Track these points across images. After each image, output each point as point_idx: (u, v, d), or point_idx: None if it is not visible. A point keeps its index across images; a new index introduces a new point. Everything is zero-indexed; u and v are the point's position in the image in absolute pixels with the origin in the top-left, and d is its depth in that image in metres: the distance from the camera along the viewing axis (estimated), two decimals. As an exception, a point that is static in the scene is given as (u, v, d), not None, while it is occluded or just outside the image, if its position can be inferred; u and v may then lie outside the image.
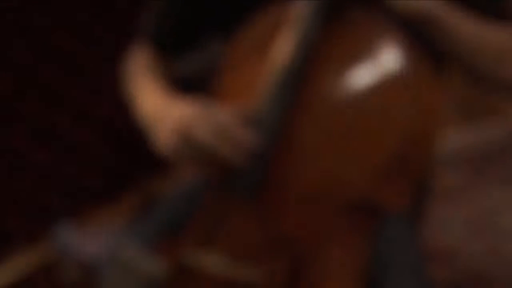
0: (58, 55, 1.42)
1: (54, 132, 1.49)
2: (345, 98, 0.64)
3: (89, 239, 1.64)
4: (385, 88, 0.63)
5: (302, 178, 0.65)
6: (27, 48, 1.35)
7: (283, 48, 0.68)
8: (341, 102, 0.64)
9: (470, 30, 0.68)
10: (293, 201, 0.65)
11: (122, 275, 0.46)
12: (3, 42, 1.30)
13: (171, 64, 0.94)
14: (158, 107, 0.75)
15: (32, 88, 1.40)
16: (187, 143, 0.65)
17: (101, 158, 1.65)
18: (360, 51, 0.65)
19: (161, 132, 0.70)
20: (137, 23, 1.54)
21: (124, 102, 1.59)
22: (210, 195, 0.71)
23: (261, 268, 0.65)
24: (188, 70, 1.51)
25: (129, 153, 1.72)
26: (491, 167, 2.08)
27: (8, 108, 1.36)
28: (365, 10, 0.68)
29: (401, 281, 0.75)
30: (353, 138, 0.63)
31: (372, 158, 0.61)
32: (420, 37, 0.65)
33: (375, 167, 0.61)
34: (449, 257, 1.62)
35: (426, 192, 1.15)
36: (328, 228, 0.63)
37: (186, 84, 0.98)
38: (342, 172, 0.63)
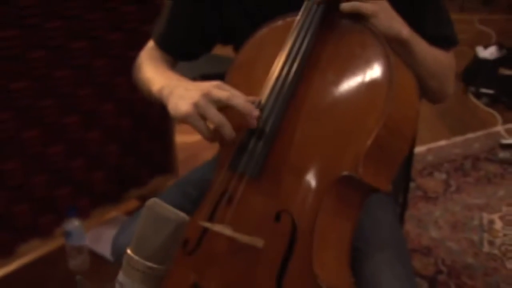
0: (71, 59, 1.49)
1: (65, 134, 1.57)
2: (335, 94, 0.77)
3: (95, 232, 1.74)
4: (369, 85, 0.75)
5: (298, 160, 0.77)
6: (43, 52, 1.42)
7: (282, 54, 0.80)
8: (332, 96, 0.77)
9: (427, 54, 0.86)
10: (291, 178, 0.77)
11: (153, 221, 0.56)
12: (20, 47, 1.38)
13: (176, 65, 1.05)
14: (177, 82, 0.84)
15: (47, 91, 1.48)
16: (208, 99, 0.74)
17: (108, 158, 1.72)
18: (348, 53, 0.78)
19: (179, 96, 0.78)
20: (146, 29, 1.64)
21: (130, 107, 1.68)
22: (220, 173, 0.82)
23: (263, 235, 0.76)
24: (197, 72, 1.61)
25: (134, 154, 1.81)
26: (473, 172, 2.22)
27: (23, 109, 1.44)
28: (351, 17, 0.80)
29: (381, 258, 0.86)
30: (341, 126, 0.75)
31: (357, 144, 0.73)
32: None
33: (359, 151, 0.73)
34: (431, 249, 1.74)
35: (407, 182, 1.28)
36: (321, 199, 0.74)
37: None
38: (332, 155, 0.75)
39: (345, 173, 0.73)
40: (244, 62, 0.89)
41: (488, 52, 3.11)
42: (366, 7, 0.77)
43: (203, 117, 0.76)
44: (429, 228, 1.85)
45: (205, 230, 0.81)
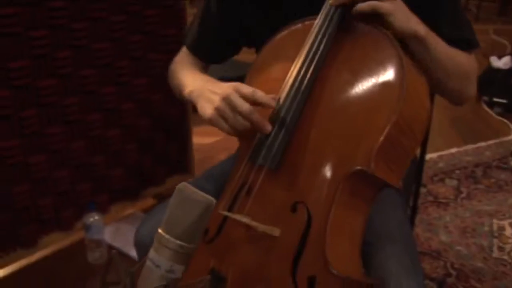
0: (95, 59, 1.55)
1: (87, 131, 1.63)
2: (350, 93, 0.81)
3: (113, 227, 1.79)
4: (382, 85, 0.79)
5: (314, 155, 0.81)
6: (69, 51, 1.48)
7: (301, 56, 0.85)
8: (347, 95, 0.81)
9: (445, 53, 0.89)
10: (307, 171, 0.81)
11: (183, 203, 0.61)
12: (49, 46, 1.43)
13: (207, 68, 1.11)
14: (204, 84, 0.90)
15: (72, 89, 1.53)
16: (227, 104, 0.80)
17: (127, 156, 1.77)
18: (363, 55, 0.82)
19: (206, 99, 0.85)
20: (166, 32, 1.69)
21: (150, 108, 1.74)
22: (240, 166, 0.87)
23: (279, 225, 0.80)
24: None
25: (152, 153, 1.86)
26: (484, 179, 2.25)
27: (49, 106, 1.50)
28: (367, 21, 0.85)
29: (390, 251, 0.89)
30: (355, 123, 0.79)
31: (369, 140, 0.77)
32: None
33: (371, 147, 0.77)
34: (440, 253, 1.77)
35: (418, 186, 1.32)
36: (335, 192, 0.79)
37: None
38: (346, 150, 0.79)
39: (358, 167, 0.78)
40: (264, 62, 0.94)
41: (502, 62, 3.14)
42: (383, 6, 0.81)
43: (225, 119, 0.82)
44: (439, 232, 1.87)
45: (225, 220, 0.85)
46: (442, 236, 1.85)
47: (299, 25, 0.91)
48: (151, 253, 0.60)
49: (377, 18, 0.82)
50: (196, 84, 0.93)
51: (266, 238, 0.81)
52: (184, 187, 0.60)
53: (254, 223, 0.81)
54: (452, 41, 0.91)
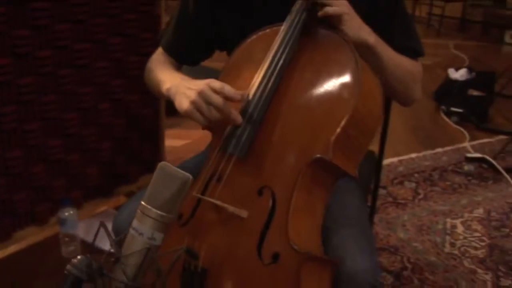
0: (75, 59, 1.60)
1: (64, 129, 1.68)
2: (311, 90, 0.91)
3: (86, 223, 1.85)
4: (340, 84, 0.90)
5: (279, 144, 0.91)
6: (50, 51, 1.53)
7: (268, 57, 0.95)
8: (309, 92, 0.92)
9: (394, 60, 1.01)
10: (272, 160, 0.91)
11: (164, 178, 0.70)
12: (30, 46, 1.48)
13: (181, 67, 1.20)
14: (180, 82, 0.99)
15: (51, 87, 1.59)
16: (202, 98, 0.89)
17: (102, 154, 1.82)
18: (324, 57, 0.93)
19: (182, 95, 0.93)
20: (145, 36, 1.76)
21: (125, 108, 1.80)
22: (212, 155, 0.96)
23: (247, 207, 0.90)
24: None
25: (125, 152, 1.92)
26: (440, 182, 2.40)
27: (27, 103, 1.55)
28: (327, 27, 0.96)
29: (347, 233, 0.98)
30: (316, 117, 0.90)
31: (328, 131, 0.87)
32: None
33: (330, 138, 0.87)
34: (397, 248, 1.89)
35: (376, 187, 1.43)
36: (297, 178, 0.88)
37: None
38: (307, 140, 0.90)
39: (318, 155, 0.88)
40: (235, 63, 1.03)
41: (459, 74, 3.33)
42: (344, 15, 0.93)
43: (200, 111, 0.91)
44: (397, 230, 2.00)
45: (198, 204, 0.94)
46: (400, 233, 1.98)
47: (268, 30, 1.01)
48: (135, 223, 0.69)
49: (333, 26, 0.93)
50: (173, 82, 1.02)
51: (235, 219, 0.90)
52: (165, 165, 0.69)
53: (224, 205, 0.90)
54: (402, 49, 1.03)
